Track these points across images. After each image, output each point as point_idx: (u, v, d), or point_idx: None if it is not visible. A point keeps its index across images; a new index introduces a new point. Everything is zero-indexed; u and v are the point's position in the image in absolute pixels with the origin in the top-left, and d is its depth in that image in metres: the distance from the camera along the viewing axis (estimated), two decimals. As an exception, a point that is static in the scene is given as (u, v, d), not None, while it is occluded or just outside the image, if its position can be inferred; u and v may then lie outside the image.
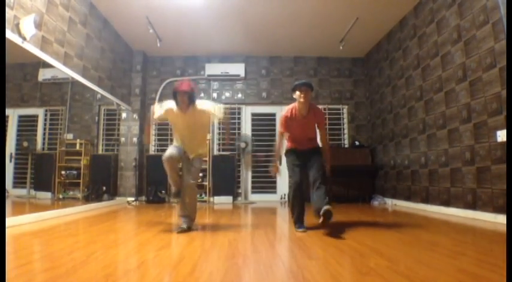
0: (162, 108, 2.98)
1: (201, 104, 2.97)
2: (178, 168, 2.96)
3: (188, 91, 2.82)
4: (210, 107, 2.99)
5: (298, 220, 2.93)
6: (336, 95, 6.62)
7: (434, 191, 4.28)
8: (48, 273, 1.56)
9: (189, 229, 2.81)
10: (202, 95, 6.50)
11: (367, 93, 6.56)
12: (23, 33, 3.14)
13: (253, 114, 6.59)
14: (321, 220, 2.64)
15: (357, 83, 6.68)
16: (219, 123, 6.40)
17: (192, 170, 2.96)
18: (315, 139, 3.13)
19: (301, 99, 2.90)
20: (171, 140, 3.24)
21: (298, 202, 2.95)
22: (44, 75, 4.58)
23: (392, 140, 5.51)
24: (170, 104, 2.96)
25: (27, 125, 4.86)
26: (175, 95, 2.88)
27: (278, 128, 3.19)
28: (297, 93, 2.92)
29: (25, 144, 4.72)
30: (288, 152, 3.13)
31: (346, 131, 6.57)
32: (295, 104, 3.00)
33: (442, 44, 4.10)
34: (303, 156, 3.03)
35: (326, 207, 2.62)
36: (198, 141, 3.02)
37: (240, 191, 6.25)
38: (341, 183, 5.79)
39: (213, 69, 6.47)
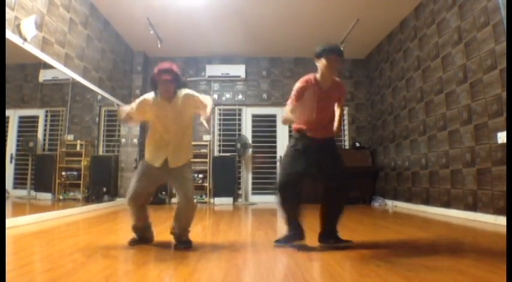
0: (134, 103, 2.29)
1: (188, 91, 2.31)
2: (148, 204, 2.34)
3: (173, 72, 2.16)
4: (198, 96, 2.28)
5: (291, 230, 2.33)
6: (336, 96, 6.62)
7: (434, 193, 4.28)
8: (48, 274, 1.56)
9: (189, 244, 2.23)
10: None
11: (368, 95, 6.56)
12: (24, 34, 3.14)
13: (253, 116, 6.60)
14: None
15: (357, 84, 6.68)
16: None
17: (187, 185, 2.22)
18: (332, 123, 2.28)
19: (329, 71, 2.21)
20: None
21: (292, 203, 2.31)
22: (44, 76, 4.58)
23: (392, 142, 5.51)
24: (146, 95, 2.29)
25: (27, 125, 4.86)
26: (154, 83, 2.21)
27: (289, 103, 2.33)
28: (324, 61, 2.19)
29: (31, 144, 4.73)
30: (296, 139, 2.36)
31: (346, 133, 6.56)
32: (314, 75, 2.29)
33: (442, 45, 4.10)
34: (313, 155, 2.32)
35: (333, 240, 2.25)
36: (186, 141, 2.31)
37: (240, 192, 6.25)
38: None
39: (214, 70, 6.48)
